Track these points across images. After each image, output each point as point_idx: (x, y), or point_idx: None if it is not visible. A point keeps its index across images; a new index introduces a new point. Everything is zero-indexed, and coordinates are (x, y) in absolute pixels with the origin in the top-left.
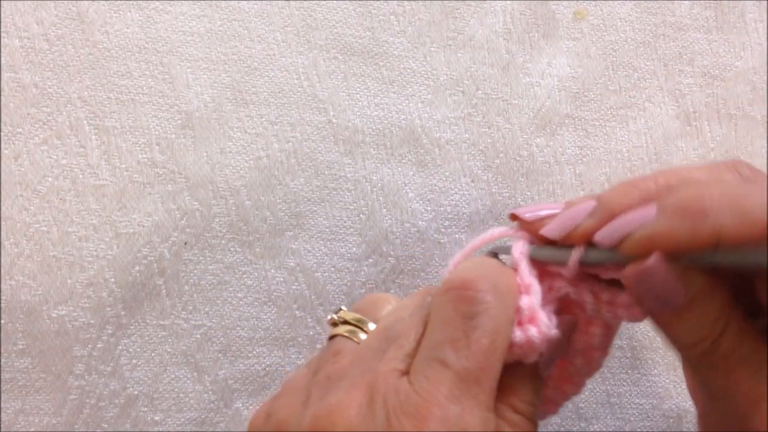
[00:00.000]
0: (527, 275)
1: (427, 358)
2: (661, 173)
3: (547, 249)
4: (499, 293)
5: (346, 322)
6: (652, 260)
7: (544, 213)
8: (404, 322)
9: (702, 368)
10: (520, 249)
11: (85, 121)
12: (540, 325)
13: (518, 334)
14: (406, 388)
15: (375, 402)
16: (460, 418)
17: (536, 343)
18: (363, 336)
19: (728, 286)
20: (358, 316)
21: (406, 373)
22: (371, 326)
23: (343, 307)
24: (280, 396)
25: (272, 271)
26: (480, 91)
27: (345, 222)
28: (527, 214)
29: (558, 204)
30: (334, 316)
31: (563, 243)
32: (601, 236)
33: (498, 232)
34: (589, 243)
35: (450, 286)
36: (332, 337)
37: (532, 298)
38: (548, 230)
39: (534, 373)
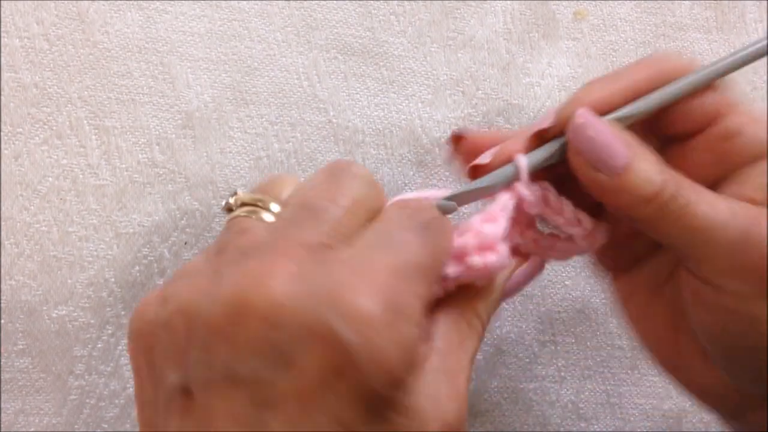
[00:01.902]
0: (499, 208)
1: (377, 245)
2: None
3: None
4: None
5: (244, 204)
6: (580, 111)
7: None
8: (327, 197)
9: (668, 222)
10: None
11: (85, 121)
12: (499, 252)
13: (476, 259)
14: (341, 257)
15: (306, 272)
16: (399, 296)
17: (492, 269)
18: (267, 215)
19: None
20: (257, 195)
21: (331, 247)
22: (275, 207)
23: (238, 190)
24: (175, 280)
25: None
26: (480, 91)
27: None
28: (481, 159)
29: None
30: (230, 201)
31: (550, 132)
32: (538, 121)
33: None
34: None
35: (404, 204)
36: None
37: (498, 226)
38: (537, 123)
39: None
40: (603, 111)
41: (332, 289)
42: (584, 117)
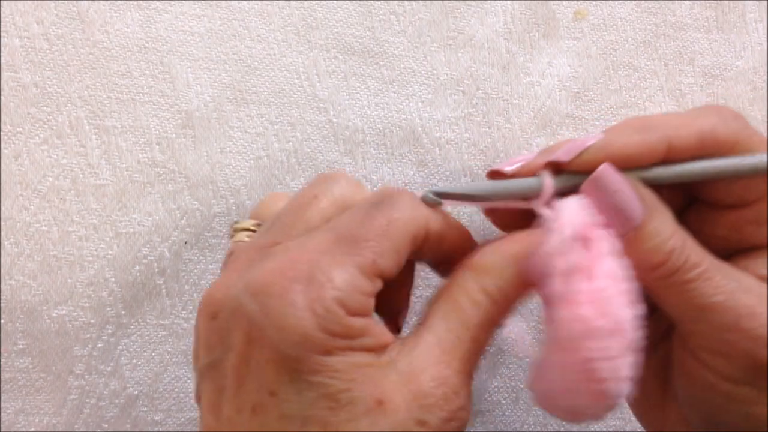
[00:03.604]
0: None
1: (323, 230)
2: None
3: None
4: (411, 198)
5: (245, 230)
6: (602, 167)
7: (519, 160)
8: (290, 205)
9: (669, 291)
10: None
11: (85, 121)
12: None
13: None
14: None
15: (246, 267)
16: (327, 267)
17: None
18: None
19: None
20: (255, 221)
21: (279, 243)
22: (256, 226)
23: (237, 220)
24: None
25: None
26: (480, 91)
27: None
28: (507, 167)
29: (531, 153)
30: (232, 228)
31: (567, 167)
32: (561, 152)
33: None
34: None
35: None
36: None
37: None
38: (559, 155)
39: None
40: (628, 162)
41: (255, 275)
42: (603, 172)
